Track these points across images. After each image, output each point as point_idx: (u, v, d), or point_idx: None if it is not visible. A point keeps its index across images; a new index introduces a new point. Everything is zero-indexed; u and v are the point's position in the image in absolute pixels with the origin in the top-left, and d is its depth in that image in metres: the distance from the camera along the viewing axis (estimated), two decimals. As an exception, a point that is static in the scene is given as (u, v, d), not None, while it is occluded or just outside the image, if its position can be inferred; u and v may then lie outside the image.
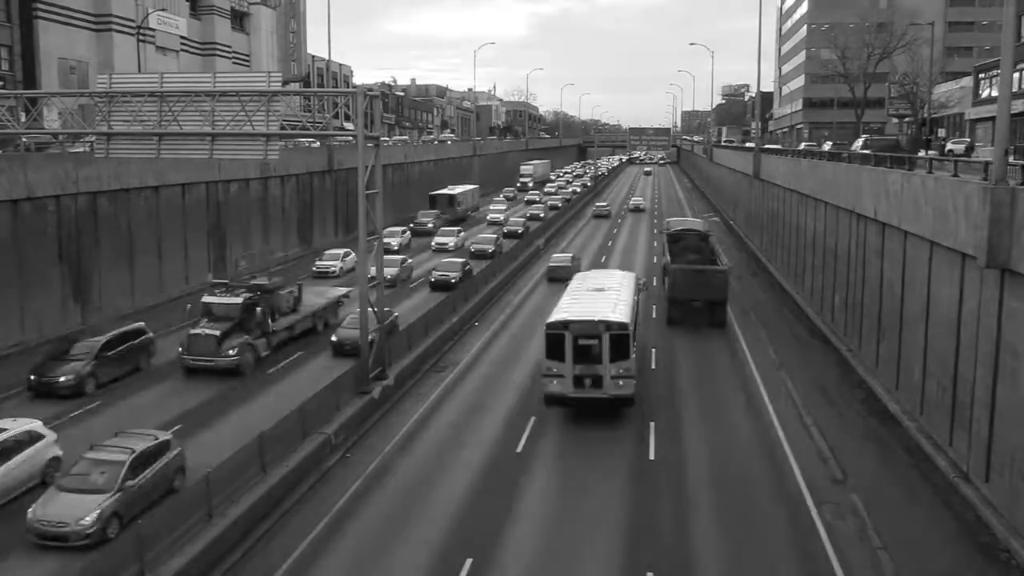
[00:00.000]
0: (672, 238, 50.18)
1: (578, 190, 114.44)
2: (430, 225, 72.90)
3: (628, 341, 26.39)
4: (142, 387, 30.71)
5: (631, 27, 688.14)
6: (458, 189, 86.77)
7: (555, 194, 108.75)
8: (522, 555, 19.07)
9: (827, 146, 58.22)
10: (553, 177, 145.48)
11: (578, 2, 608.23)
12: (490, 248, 61.03)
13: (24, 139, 39.13)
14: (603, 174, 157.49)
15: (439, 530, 20.21)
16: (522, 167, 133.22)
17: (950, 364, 23.42)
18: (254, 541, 19.70)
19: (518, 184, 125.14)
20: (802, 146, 72.15)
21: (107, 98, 29.93)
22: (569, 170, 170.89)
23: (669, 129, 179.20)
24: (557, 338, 26.59)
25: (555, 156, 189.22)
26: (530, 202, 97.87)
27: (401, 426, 27.42)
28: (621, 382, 26.51)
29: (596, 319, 26.85)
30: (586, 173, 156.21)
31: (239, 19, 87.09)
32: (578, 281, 34.54)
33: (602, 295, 30.63)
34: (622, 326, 26.62)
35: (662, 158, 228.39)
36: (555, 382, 26.72)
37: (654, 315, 43.40)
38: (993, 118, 41.94)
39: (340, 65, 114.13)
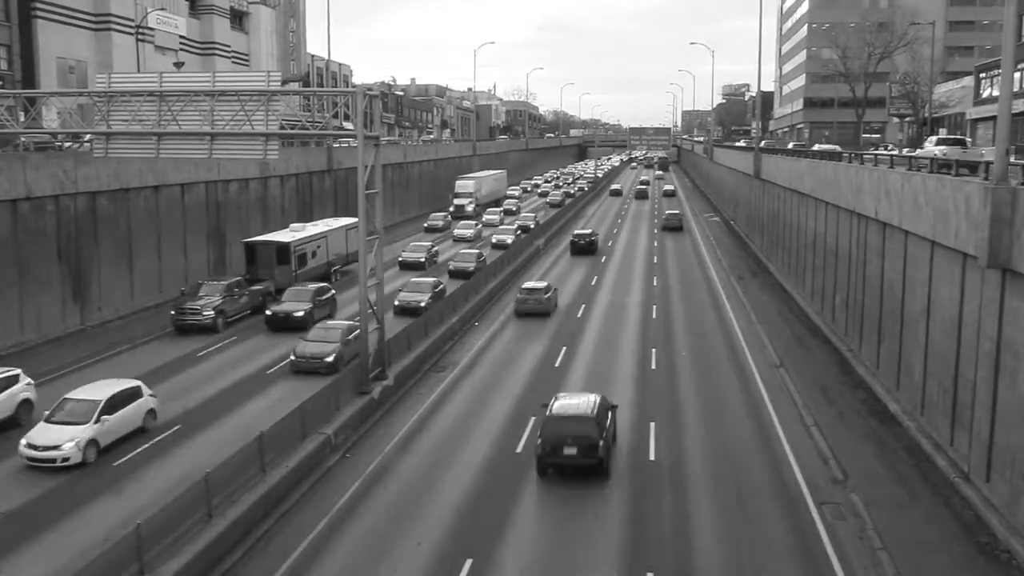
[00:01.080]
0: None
1: (509, 240, 64.23)
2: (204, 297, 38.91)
3: None
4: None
5: (630, 27, 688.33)
6: (313, 228, 50.23)
7: (471, 240, 68.41)
8: (522, 555, 19.02)
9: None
10: (515, 193, 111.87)
11: (577, 2, 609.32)
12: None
13: (23, 139, 39.06)
14: (583, 190, 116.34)
15: (439, 530, 20.17)
16: (458, 182, 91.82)
17: (951, 364, 23.38)
18: (254, 541, 19.66)
19: (452, 208, 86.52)
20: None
21: (106, 98, 29.89)
22: (540, 180, 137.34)
23: (669, 129, 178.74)
24: None
25: (555, 156, 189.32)
26: (404, 265, 55.52)
27: (401, 426, 27.39)
28: None
29: None
30: (559, 188, 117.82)
31: (238, 18, 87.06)
32: None
33: None
34: None
35: (663, 156, 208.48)
36: None
37: (653, 315, 43.39)
38: (994, 118, 41.91)
39: (340, 65, 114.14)
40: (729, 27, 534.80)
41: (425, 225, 77.03)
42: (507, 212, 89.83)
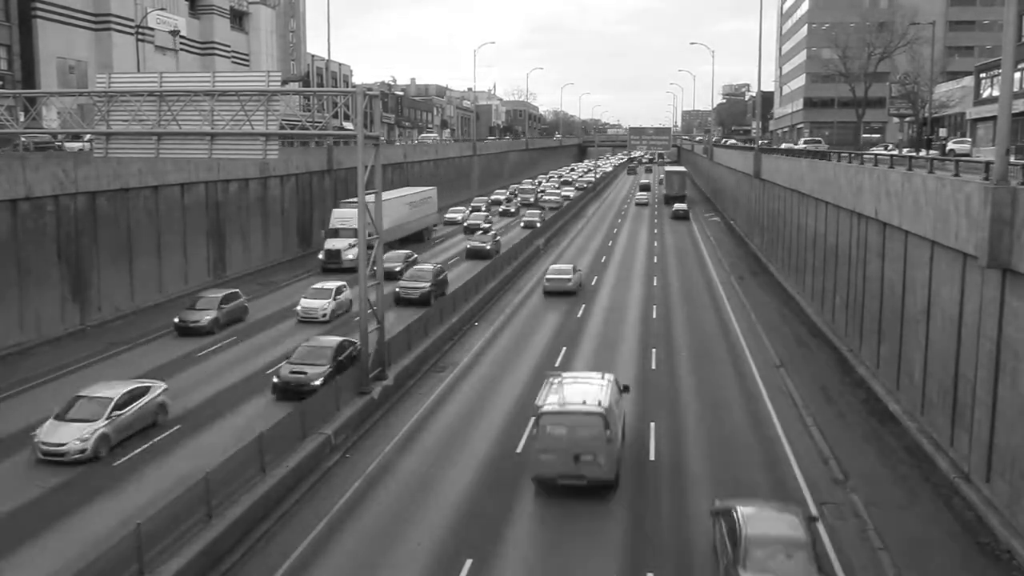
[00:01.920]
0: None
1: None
2: None
3: None
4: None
5: (628, 29, 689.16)
6: None
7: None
8: (522, 556, 19.01)
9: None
10: (458, 216, 79.03)
11: (576, 5, 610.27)
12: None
13: (23, 139, 39.05)
14: (534, 228, 73.21)
15: (439, 530, 20.16)
16: (336, 211, 56.21)
17: (951, 364, 23.37)
18: (254, 541, 19.65)
19: (323, 252, 53.64)
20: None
21: (106, 98, 29.88)
22: (502, 195, 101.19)
23: (669, 129, 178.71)
24: None
25: (555, 156, 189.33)
26: None
27: (401, 426, 27.37)
28: None
29: None
30: (505, 219, 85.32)
31: (238, 18, 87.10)
32: None
33: None
34: None
35: (660, 155, 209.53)
36: None
37: (654, 315, 43.39)
38: (994, 118, 41.91)
39: (340, 65, 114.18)
40: (726, 28, 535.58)
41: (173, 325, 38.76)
42: (397, 276, 47.57)
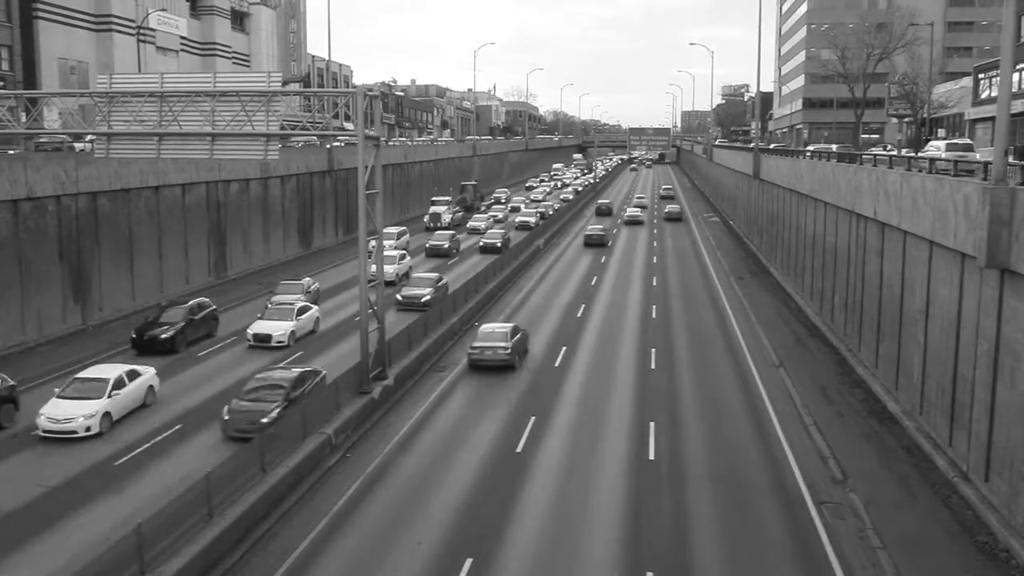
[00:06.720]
0: None
1: None
2: None
3: None
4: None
5: (622, 34, 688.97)
6: None
7: None
8: (522, 555, 19.07)
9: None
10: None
11: (578, 7, 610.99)
12: None
13: (25, 140, 39.11)
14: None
15: (439, 530, 20.22)
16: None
17: (949, 364, 23.44)
18: (254, 541, 19.70)
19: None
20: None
21: (107, 98, 29.95)
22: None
23: (669, 129, 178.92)
24: None
25: (554, 156, 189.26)
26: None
27: (401, 426, 27.43)
28: None
29: None
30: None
31: (239, 19, 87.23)
32: None
33: None
34: None
35: (662, 155, 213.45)
36: None
37: (653, 315, 43.47)
38: (993, 118, 41.97)
39: (340, 65, 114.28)
40: (724, 33, 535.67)
41: None
42: None
